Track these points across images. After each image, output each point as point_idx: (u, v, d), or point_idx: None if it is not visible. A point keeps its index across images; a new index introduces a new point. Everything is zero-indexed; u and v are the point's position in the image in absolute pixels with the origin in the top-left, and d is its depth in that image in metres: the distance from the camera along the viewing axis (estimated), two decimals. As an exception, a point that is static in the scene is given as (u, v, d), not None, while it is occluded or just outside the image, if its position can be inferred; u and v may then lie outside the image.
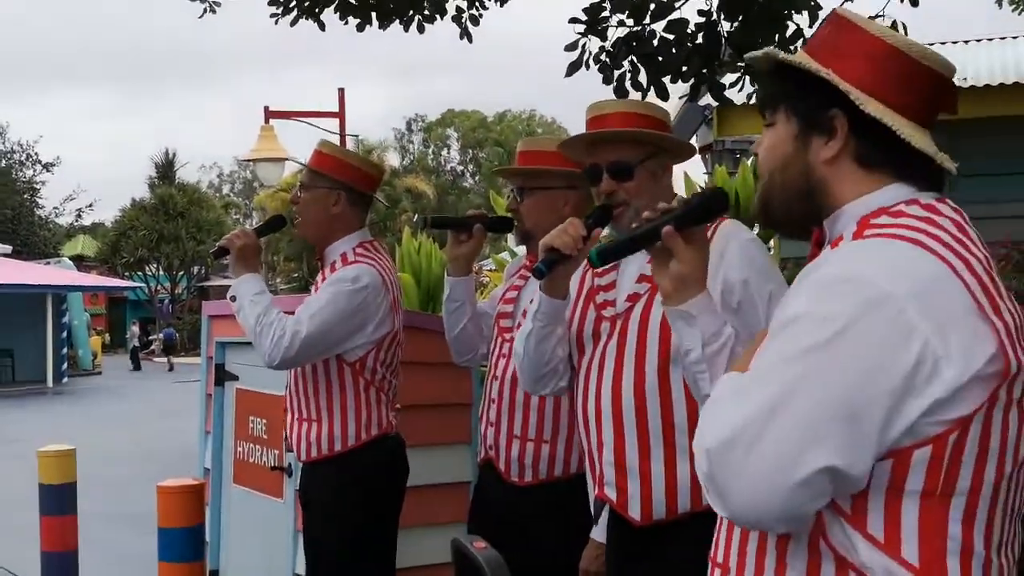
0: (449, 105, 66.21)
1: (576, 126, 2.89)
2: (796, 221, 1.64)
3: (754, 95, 5.82)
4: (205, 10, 6.44)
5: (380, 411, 3.53)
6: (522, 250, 3.68)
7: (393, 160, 50.54)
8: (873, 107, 1.53)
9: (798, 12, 5.09)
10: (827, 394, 1.35)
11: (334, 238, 3.59)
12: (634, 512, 2.46)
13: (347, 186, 3.59)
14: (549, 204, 3.13)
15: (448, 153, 64.95)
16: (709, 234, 2.44)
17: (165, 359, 34.45)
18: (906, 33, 5.40)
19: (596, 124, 2.63)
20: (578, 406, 2.61)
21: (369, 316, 3.42)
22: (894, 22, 5.38)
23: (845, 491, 1.39)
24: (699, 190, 1.95)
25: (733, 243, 2.40)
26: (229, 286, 3.55)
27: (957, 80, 5.89)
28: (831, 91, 1.55)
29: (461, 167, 64.65)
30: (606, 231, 2.65)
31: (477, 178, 61.11)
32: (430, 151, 64.82)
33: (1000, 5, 12.89)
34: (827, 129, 1.57)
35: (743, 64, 5.39)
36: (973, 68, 8.29)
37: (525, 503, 3.11)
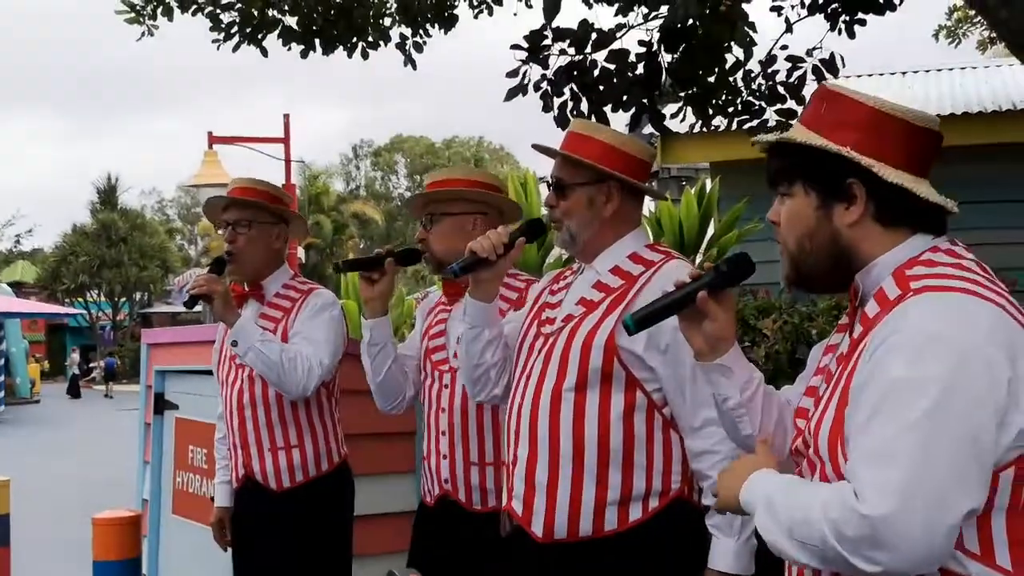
0: (401, 130, 66.36)
1: (522, 153, 2.93)
2: (829, 280, 1.82)
3: (696, 125, 5.90)
4: (143, 33, 6.39)
5: (341, 431, 3.66)
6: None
7: (338, 186, 50.41)
8: (892, 174, 1.70)
9: (738, 45, 5.17)
10: (957, 448, 1.52)
11: (270, 272, 3.64)
12: (536, 528, 2.50)
13: (286, 220, 3.68)
14: (458, 228, 3.14)
15: (396, 179, 64.97)
16: (652, 272, 2.50)
17: (104, 387, 33.93)
18: (843, 65, 5.52)
19: (564, 140, 2.68)
20: (505, 417, 2.68)
21: (343, 336, 3.58)
22: (832, 54, 5.48)
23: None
24: (728, 256, 2.05)
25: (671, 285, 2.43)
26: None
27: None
28: (844, 161, 1.72)
29: (409, 193, 64.66)
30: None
31: (425, 204, 61.06)
32: (378, 176, 64.76)
33: (936, 39, 13.25)
34: (847, 196, 1.74)
35: (684, 94, 5.46)
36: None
37: (491, 529, 3.07)
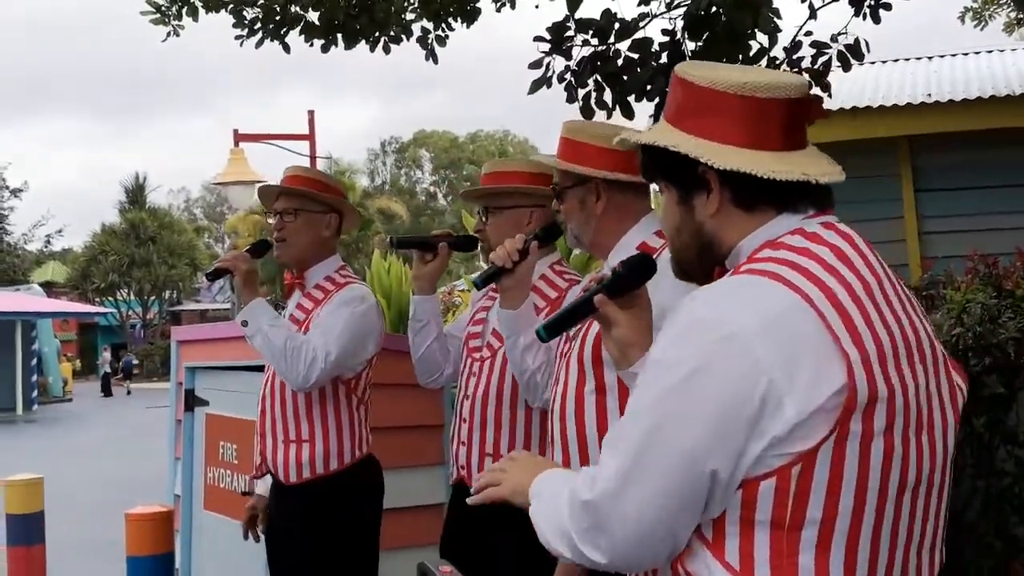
0: (424, 125, 66.24)
1: (547, 146, 2.95)
2: (701, 274, 1.70)
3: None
4: (169, 34, 6.41)
5: (367, 429, 3.62)
6: None
7: (363, 182, 50.54)
8: (732, 159, 1.57)
9: (762, 32, 5.13)
10: (684, 436, 1.42)
11: (317, 261, 3.65)
12: None
13: (338, 210, 3.67)
14: (513, 223, 3.16)
15: (421, 174, 65.01)
16: (654, 258, 2.49)
17: (125, 384, 34.37)
18: (868, 50, 5.46)
19: (559, 144, 2.69)
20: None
21: (371, 335, 3.53)
22: (856, 39, 5.43)
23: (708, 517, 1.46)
24: (627, 257, 2.02)
25: (667, 269, 2.43)
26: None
27: (920, 96, 5.94)
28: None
29: (434, 188, 64.70)
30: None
31: (451, 199, 61.17)
32: (403, 172, 64.85)
33: (963, 21, 13.09)
34: (704, 186, 1.62)
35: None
36: (936, 83, 8.38)
37: (494, 521, 3.10)
